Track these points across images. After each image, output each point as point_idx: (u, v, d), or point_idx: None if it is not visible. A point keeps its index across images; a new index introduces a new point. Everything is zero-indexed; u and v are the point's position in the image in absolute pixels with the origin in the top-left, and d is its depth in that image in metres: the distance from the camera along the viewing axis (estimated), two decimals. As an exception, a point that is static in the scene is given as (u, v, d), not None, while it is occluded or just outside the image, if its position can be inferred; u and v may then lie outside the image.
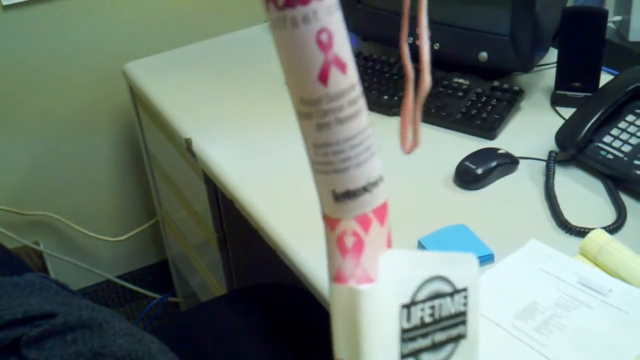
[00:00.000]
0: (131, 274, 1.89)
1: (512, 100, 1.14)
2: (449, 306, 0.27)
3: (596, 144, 1.00)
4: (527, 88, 1.18)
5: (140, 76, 1.41)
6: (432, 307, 0.27)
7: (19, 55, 1.52)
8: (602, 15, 1.11)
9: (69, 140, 1.66)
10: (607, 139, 1.00)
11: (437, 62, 1.22)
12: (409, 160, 1.08)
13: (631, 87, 1.04)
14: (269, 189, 1.05)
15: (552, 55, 1.19)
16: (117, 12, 1.58)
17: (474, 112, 1.13)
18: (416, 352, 0.26)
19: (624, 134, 1.00)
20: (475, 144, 1.07)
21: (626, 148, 0.99)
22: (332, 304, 0.28)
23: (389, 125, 1.18)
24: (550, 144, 1.03)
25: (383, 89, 1.21)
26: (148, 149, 1.56)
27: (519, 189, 0.99)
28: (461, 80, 1.19)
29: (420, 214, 0.96)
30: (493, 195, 0.99)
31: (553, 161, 1.00)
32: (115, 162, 1.74)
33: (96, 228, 1.75)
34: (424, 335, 0.26)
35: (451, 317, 0.28)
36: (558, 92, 1.16)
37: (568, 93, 1.15)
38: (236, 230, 1.29)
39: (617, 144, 0.99)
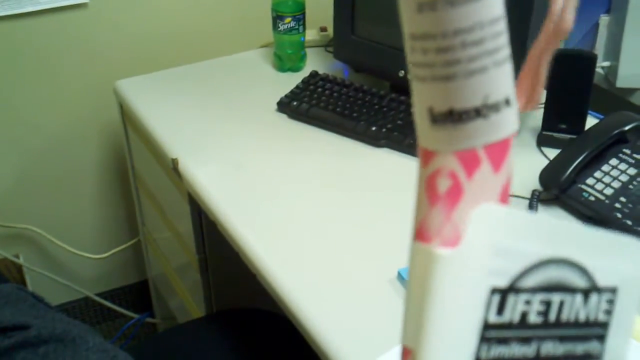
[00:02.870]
0: (110, 293, 1.87)
1: (498, 138, 1.15)
2: (577, 308, 0.19)
3: (579, 185, 1.01)
4: (513, 127, 1.19)
5: (131, 94, 1.42)
6: (547, 303, 0.18)
7: (8, 67, 1.52)
8: (592, 59, 1.13)
9: (55, 155, 1.65)
10: (590, 181, 1.02)
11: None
12: (394, 191, 1.09)
13: (616, 132, 1.06)
14: (253, 213, 1.05)
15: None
16: (110, 29, 1.58)
17: (460, 147, 1.14)
18: None
19: (607, 177, 1.01)
20: None
21: (608, 191, 1.00)
22: (409, 270, 0.20)
23: (375, 156, 1.18)
24: (534, 183, 1.04)
25: (372, 120, 1.22)
26: (134, 167, 1.56)
27: (501, 226, 0.99)
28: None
29: (401, 243, 0.96)
30: (475, 230, 0.99)
31: (536, 200, 1.01)
32: (100, 179, 1.74)
33: (78, 244, 1.74)
34: (524, 341, 0.18)
35: (579, 325, 0.19)
36: (544, 132, 1.17)
37: (554, 134, 1.16)
38: (218, 253, 1.28)
39: (599, 186, 1.01)
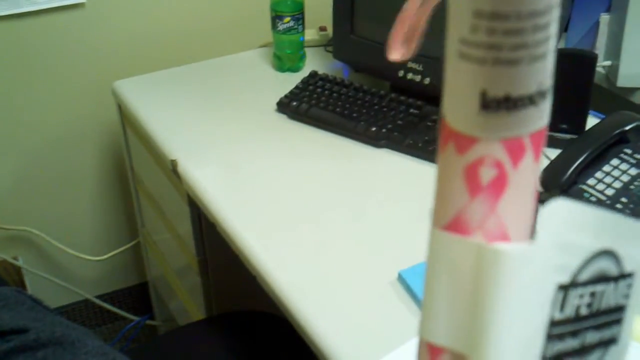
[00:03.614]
0: (110, 295, 1.86)
1: (499, 138, 1.14)
2: (610, 296, 0.19)
3: (580, 186, 1.01)
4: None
5: (130, 95, 1.41)
6: (593, 295, 0.18)
7: (5, 67, 1.51)
8: (592, 59, 1.12)
9: (54, 156, 1.65)
10: (591, 181, 1.01)
11: (427, 96, 1.23)
12: (395, 192, 1.08)
13: (617, 131, 1.05)
14: (252, 214, 1.05)
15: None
16: (108, 29, 1.58)
17: (460, 148, 1.13)
18: (560, 357, 0.17)
19: (608, 177, 1.01)
20: None
21: (609, 191, 0.99)
22: (434, 262, 0.19)
23: (375, 157, 1.18)
24: (535, 184, 1.03)
25: (372, 120, 1.22)
26: (133, 169, 1.56)
27: (502, 227, 0.99)
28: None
29: (402, 245, 0.96)
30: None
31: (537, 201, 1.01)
32: (99, 180, 1.73)
33: (77, 246, 1.74)
34: (575, 334, 0.18)
35: (610, 311, 0.19)
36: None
37: (554, 134, 1.15)
38: (218, 255, 1.28)
39: (600, 187, 1.00)
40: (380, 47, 1.29)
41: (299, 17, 1.41)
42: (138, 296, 1.89)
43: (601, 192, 1.00)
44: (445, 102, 0.20)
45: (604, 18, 1.33)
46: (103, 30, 1.57)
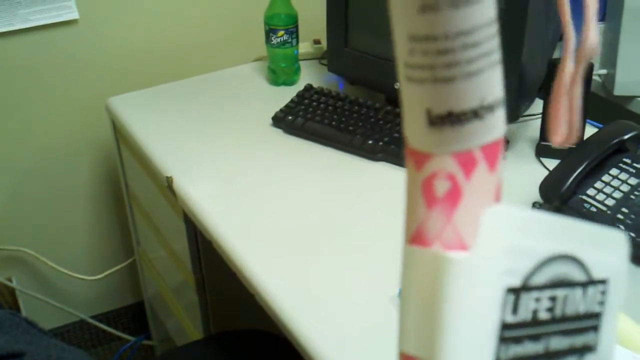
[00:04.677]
0: (105, 315, 1.84)
1: (497, 149, 1.14)
2: (577, 302, 0.19)
3: (580, 196, 1.00)
4: (511, 138, 1.18)
5: (124, 111, 1.40)
6: (553, 299, 0.18)
7: (-1, 84, 1.50)
8: (588, 69, 1.12)
9: (47, 174, 1.63)
10: (591, 191, 1.00)
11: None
12: (393, 207, 1.07)
13: (615, 141, 1.04)
14: (249, 231, 1.04)
15: (538, 106, 1.19)
16: (101, 46, 1.57)
17: (458, 160, 1.12)
18: None
19: (608, 187, 1.00)
20: None
21: (610, 202, 0.98)
22: (404, 275, 0.20)
23: (372, 170, 1.17)
24: (534, 195, 1.03)
25: (368, 134, 1.21)
26: (128, 186, 1.54)
27: (502, 239, 0.98)
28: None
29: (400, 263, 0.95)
30: (476, 244, 0.97)
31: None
32: (93, 198, 1.71)
33: (72, 266, 1.71)
34: (535, 338, 0.18)
35: (578, 318, 0.19)
36: (542, 143, 1.16)
37: (552, 145, 1.14)
38: (215, 273, 1.27)
39: (600, 197, 0.99)
40: (375, 59, 1.28)
41: (293, 31, 1.41)
42: (134, 316, 1.87)
43: (601, 202, 0.99)
44: (403, 122, 0.20)
45: (599, 27, 1.32)
46: (97, 46, 1.56)
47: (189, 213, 1.13)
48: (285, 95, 1.38)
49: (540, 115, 1.16)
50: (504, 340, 0.18)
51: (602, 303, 0.19)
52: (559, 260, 0.19)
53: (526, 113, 1.22)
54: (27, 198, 1.63)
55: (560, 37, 1.35)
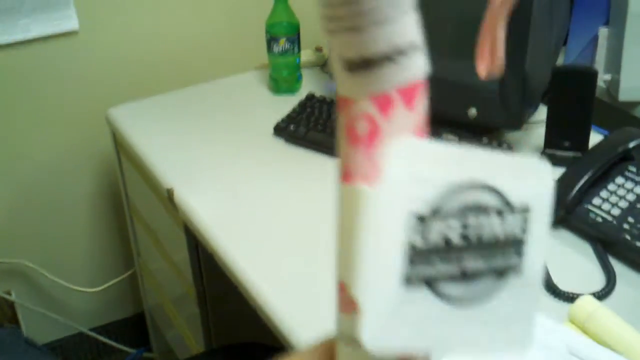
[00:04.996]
0: (105, 327, 1.82)
1: (500, 158, 1.12)
2: (494, 228, 0.20)
3: (585, 206, 0.99)
4: (516, 145, 1.16)
5: (124, 122, 1.39)
6: (465, 226, 0.20)
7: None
8: (592, 75, 1.10)
9: (46, 186, 1.62)
10: (597, 201, 0.99)
11: (427, 115, 1.21)
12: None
13: (620, 149, 1.03)
14: (251, 244, 1.02)
15: (542, 112, 1.18)
16: (101, 56, 1.56)
17: (462, 169, 1.11)
18: (431, 279, 0.19)
19: (613, 196, 0.99)
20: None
21: (615, 211, 0.97)
22: (338, 211, 0.22)
23: (375, 180, 1.15)
24: (540, 204, 1.01)
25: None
26: (129, 197, 1.53)
27: (507, 250, 0.97)
28: (450, 136, 1.17)
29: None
30: (481, 256, 0.96)
31: (542, 222, 0.98)
32: (94, 210, 1.70)
33: (71, 278, 1.70)
34: (446, 260, 0.20)
35: (497, 242, 0.20)
36: (547, 150, 1.14)
37: (557, 152, 1.13)
38: (216, 285, 1.25)
39: (606, 206, 0.98)
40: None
41: (295, 39, 1.39)
42: (134, 328, 1.85)
43: (607, 212, 0.97)
44: (334, 72, 0.22)
45: (603, 31, 1.31)
46: (97, 57, 1.56)
47: (190, 225, 1.12)
48: (287, 103, 1.37)
49: (544, 122, 1.14)
50: (414, 262, 0.19)
51: (524, 229, 0.21)
52: (470, 188, 0.20)
53: (530, 120, 1.20)
54: (27, 210, 1.62)
55: (564, 41, 1.34)
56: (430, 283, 0.20)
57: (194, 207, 1.11)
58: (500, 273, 0.21)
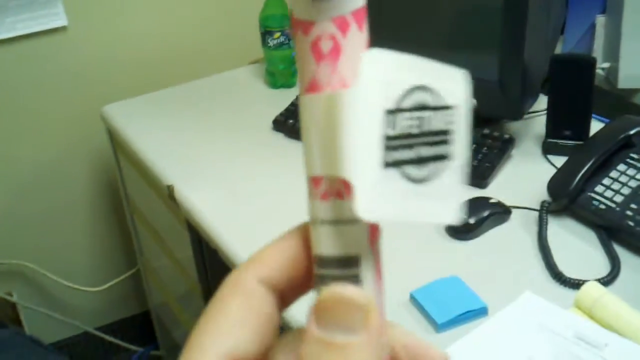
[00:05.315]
0: (111, 326, 1.82)
1: (502, 148, 1.12)
2: (435, 121, 0.25)
3: (588, 193, 0.99)
4: (517, 136, 1.17)
5: (120, 119, 1.38)
6: (419, 118, 0.25)
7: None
8: (590, 64, 1.11)
9: (43, 186, 1.61)
10: (599, 188, 0.99)
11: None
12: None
13: (621, 137, 1.03)
14: (255, 239, 1.01)
15: (543, 102, 1.18)
16: (92, 53, 1.54)
17: (464, 160, 1.11)
18: (400, 163, 0.24)
19: (616, 183, 0.99)
20: (466, 192, 1.05)
21: (618, 198, 0.97)
22: (302, 119, 0.26)
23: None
24: (542, 193, 1.01)
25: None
26: (128, 195, 1.53)
27: (511, 240, 0.97)
28: (450, 128, 1.17)
29: (412, 265, 0.93)
30: (485, 245, 0.96)
31: (545, 211, 0.98)
32: (93, 209, 1.69)
33: (73, 277, 1.69)
34: (409, 147, 0.24)
35: (437, 133, 0.25)
36: (549, 140, 1.14)
37: (559, 141, 1.13)
38: (222, 281, 1.25)
39: (609, 194, 0.98)
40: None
41: (290, 32, 1.39)
42: (140, 326, 1.85)
43: (610, 199, 0.98)
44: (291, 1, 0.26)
45: (600, 20, 1.31)
46: (88, 53, 1.54)
47: (192, 221, 1.12)
48: (284, 97, 1.36)
49: (545, 112, 1.15)
50: (387, 148, 0.24)
51: (452, 123, 0.26)
52: (419, 89, 0.25)
53: (531, 110, 1.20)
54: (25, 211, 1.61)
55: (561, 30, 1.34)
56: (399, 166, 0.24)
57: (195, 203, 1.11)
58: (440, 158, 0.26)
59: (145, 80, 1.59)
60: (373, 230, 0.26)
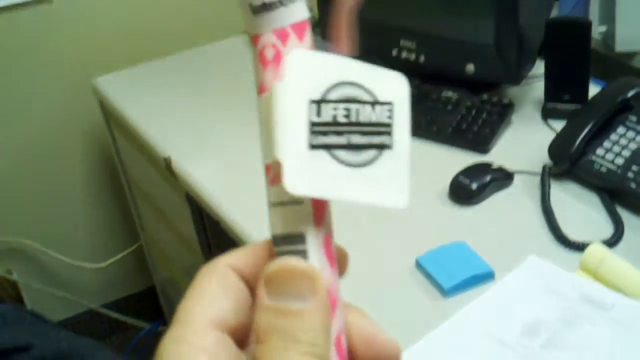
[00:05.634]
0: (116, 303, 1.80)
1: (502, 113, 1.12)
2: (368, 114, 0.28)
3: (589, 157, 0.99)
4: (516, 101, 1.16)
5: (112, 92, 1.37)
6: (347, 110, 0.28)
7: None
8: (586, 26, 1.10)
9: (37, 163, 1.58)
10: (600, 151, 0.99)
11: (424, 75, 1.20)
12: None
13: (620, 99, 1.03)
14: (256, 208, 1.01)
15: (541, 67, 1.18)
16: (80, 24, 1.51)
17: (464, 126, 1.11)
18: (329, 147, 0.27)
19: (616, 146, 0.99)
20: (467, 158, 1.05)
21: (619, 161, 0.98)
22: (258, 118, 0.29)
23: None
24: (544, 157, 1.02)
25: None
26: (125, 169, 1.51)
27: (514, 204, 0.97)
28: (450, 94, 1.17)
29: (416, 231, 0.94)
30: (489, 210, 0.97)
31: (548, 175, 0.99)
32: (90, 184, 1.68)
33: (74, 254, 1.68)
34: (338, 133, 0.27)
35: (372, 124, 0.28)
36: (548, 104, 1.14)
37: (558, 105, 1.13)
38: (226, 252, 1.24)
39: (609, 156, 0.98)
40: (371, 25, 1.26)
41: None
42: (147, 302, 1.83)
43: (611, 162, 0.98)
44: (243, 16, 0.30)
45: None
46: (75, 24, 1.51)
47: (192, 193, 1.11)
48: (279, 67, 1.35)
49: (543, 77, 1.14)
50: (314, 132, 0.27)
51: (390, 117, 0.29)
52: (347, 85, 0.28)
53: (529, 75, 1.20)
54: (20, 187, 1.60)
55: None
56: (328, 149, 0.27)
57: (193, 175, 1.10)
58: (378, 147, 0.28)
59: (137, 51, 1.56)
60: (318, 210, 0.28)
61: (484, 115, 1.13)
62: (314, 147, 0.27)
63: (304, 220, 0.28)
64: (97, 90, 1.40)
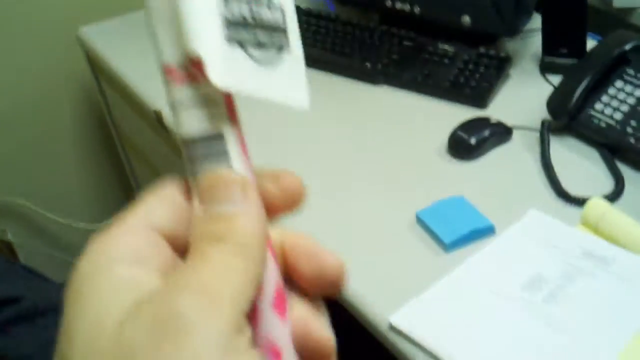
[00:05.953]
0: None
1: (499, 67, 1.11)
2: (267, 15, 0.29)
3: (588, 112, 0.99)
4: (514, 55, 1.15)
5: (99, 42, 1.32)
6: (251, 10, 0.28)
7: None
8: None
9: (24, 118, 1.51)
10: (598, 106, 0.99)
11: (420, 27, 1.19)
12: (400, 132, 1.04)
13: (617, 52, 1.03)
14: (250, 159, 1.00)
15: (538, 21, 1.16)
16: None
17: (462, 80, 1.10)
18: (242, 43, 0.27)
19: (614, 100, 0.99)
20: (465, 113, 1.04)
21: (618, 115, 0.97)
22: (148, 15, 0.28)
23: (374, 94, 1.13)
24: (542, 112, 1.01)
25: (365, 55, 1.17)
26: (116, 124, 1.48)
27: (514, 159, 0.97)
28: (446, 47, 1.15)
29: (416, 186, 0.93)
30: (488, 165, 0.96)
31: (547, 130, 0.98)
32: (81, 140, 1.62)
33: (69, 214, 1.63)
34: (246, 30, 0.28)
35: (271, 26, 0.29)
36: (546, 58, 1.13)
37: (555, 59, 1.12)
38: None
39: (608, 111, 0.98)
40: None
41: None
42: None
43: (610, 116, 0.98)
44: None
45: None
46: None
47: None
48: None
49: (540, 31, 1.13)
50: (228, 27, 0.27)
51: (284, 22, 0.29)
52: None
53: (527, 28, 1.18)
54: (9, 145, 1.53)
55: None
56: (242, 45, 0.27)
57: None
58: (279, 48, 0.29)
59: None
60: (230, 107, 0.28)
61: (482, 69, 1.11)
62: (230, 41, 0.27)
63: (219, 119, 0.27)
64: (82, 40, 1.36)
